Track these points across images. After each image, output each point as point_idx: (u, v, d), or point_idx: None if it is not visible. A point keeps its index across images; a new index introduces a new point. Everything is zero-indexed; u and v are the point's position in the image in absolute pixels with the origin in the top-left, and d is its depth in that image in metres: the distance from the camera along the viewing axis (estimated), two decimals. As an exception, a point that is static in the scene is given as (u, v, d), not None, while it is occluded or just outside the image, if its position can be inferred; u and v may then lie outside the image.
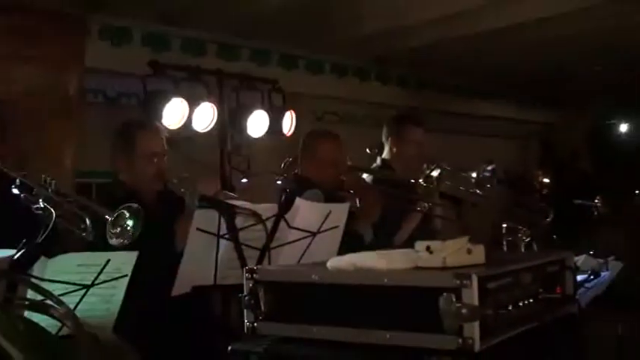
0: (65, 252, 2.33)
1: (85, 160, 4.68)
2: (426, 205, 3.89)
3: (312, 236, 3.03)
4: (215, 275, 2.86)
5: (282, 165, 3.81)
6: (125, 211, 2.62)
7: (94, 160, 4.42)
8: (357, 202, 3.68)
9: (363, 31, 6.01)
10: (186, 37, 5.73)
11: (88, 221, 2.59)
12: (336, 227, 3.10)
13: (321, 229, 3.04)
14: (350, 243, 3.11)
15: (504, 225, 3.81)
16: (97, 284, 2.33)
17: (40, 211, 2.56)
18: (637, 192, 9.13)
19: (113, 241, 2.58)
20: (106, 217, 2.58)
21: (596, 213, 4.89)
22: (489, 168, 4.26)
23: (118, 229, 2.61)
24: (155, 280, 2.82)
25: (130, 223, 2.62)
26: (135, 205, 2.64)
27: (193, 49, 5.77)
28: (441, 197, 4.03)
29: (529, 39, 6.36)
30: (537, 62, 7.21)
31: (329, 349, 1.89)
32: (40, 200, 2.56)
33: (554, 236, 4.41)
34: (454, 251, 1.89)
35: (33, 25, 4.19)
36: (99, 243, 2.61)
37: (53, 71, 4.29)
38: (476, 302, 1.69)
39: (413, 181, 3.85)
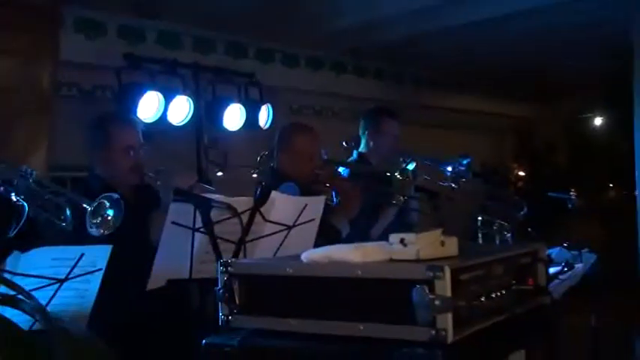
0: (44, 245, 2.31)
1: (59, 154, 4.64)
2: (402, 198, 3.91)
3: (288, 230, 3.03)
4: (190, 269, 2.85)
5: (258, 158, 3.80)
6: (105, 201, 2.60)
7: (69, 154, 4.38)
8: (334, 195, 3.69)
9: (339, 24, 6.02)
10: (162, 30, 5.71)
11: (68, 211, 2.57)
12: (312, 220, 3.10)
13: (297, 222, 3.04)
14: (327, 237, 3.11)
15: (480, 218, 3.84)
16: (71, 278, 2.32)
17: (21, 203, 2.54)
18: (611, 185, 9.25)
19: (93, 231, 2.56)
20: (86, 206, 2.55)
21: (570, 206, 4.93)
22: (464, 161, 4.29)
23: (99, 219, 2.58)
24: (131, 274, 2.81)
25: (110, 212, 2.61)
26: (115, 195, 2.63)
27: (169, 42, 5.74)
28: (417, 190, 4.05)
29: (506, 33, 6.41)
30: (514, 56, 7.26)
31: (303, 342, 1.90)
32: (13, 194, 2.53)
33: (530, 229, 4.45)
34: (427, 244, 1.90)
35: (5, 18, 4.13)
36: (78, 235, 2.60)
37: (26, 64, 4.24)
38: (449, 294, 1.70)
39: (389, 174, 3.86)
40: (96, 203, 2.56)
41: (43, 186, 2.62)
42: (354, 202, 3.70)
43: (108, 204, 2.61)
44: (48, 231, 2.65)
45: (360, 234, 3.60)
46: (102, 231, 2.57)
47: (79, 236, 2.58)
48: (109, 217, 2.60)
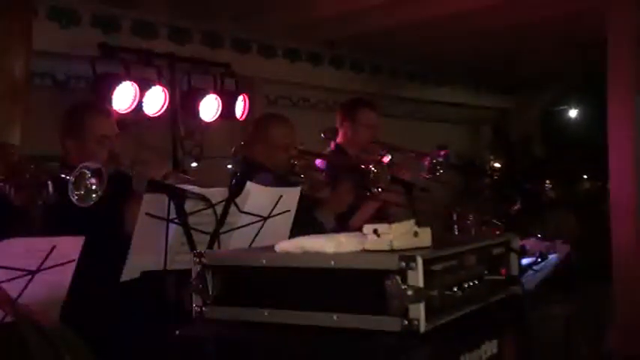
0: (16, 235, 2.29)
1: (32, 144, 4.58)
2: (377, 190, 3.92)
3: (263, 221, 3.03)
4: (165, 260, 2.84)
5: (233, 149, 3.79)
6: (86, 170, 2.57)
7: (42, 145, 4.34)
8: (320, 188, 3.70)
9: (316, 14, 5.99)
10: (137, 19, 5.64)
11: (50, 185, 2.54)
12: (287, 211, 3.10)
13: (272, 213, 3.04)
14: (310, 230, 3.12)
15: (456, 209, 3.86)
16: (43, 270, 2.30)
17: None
18: (585, 177, 9.33)
19: (77, 202, 2.52)
20: (67, 177, 2.52)
21: (545, 197, 4.99)
22: (442, 153, 4.31)
23: (82, 189, 2.56)
24: (105, 265, 2.79)
25: (93, 181, 2.58)
26: (94, 164, 2.59)
27: (144, 32, 5.68)
28: (393, 182, 4.06)
29: (482, 25, 6.42)
30: (490, 49, 7.28)
31: (277, 333, 1.90)
32: None
33: (504, 220, 4.48)
34: (401, 234, 1.91)
35: (-24, 6, 4.07)
36: (54, 222, 2.58)
37: (-2, 53, 4.19)
38: (421, 284, 1.71)
39: (364, 166, 3.87)
40: (77, 173, 2.53)
41: (23, 163, 2.60)
42: (345, 197, 3.73)
43: (89, 173, 2.57)
44: (24, 217, 2.63)
45: (343, 228, 3.61)
46: (87, 202, 2.54)
47: (53, 226, 2.56)
48: (94, 187, 2.57)
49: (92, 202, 2.56)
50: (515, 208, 4.45)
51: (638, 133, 5.42)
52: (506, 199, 4.54)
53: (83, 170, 2.54)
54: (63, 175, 2.51)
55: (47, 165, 2.68)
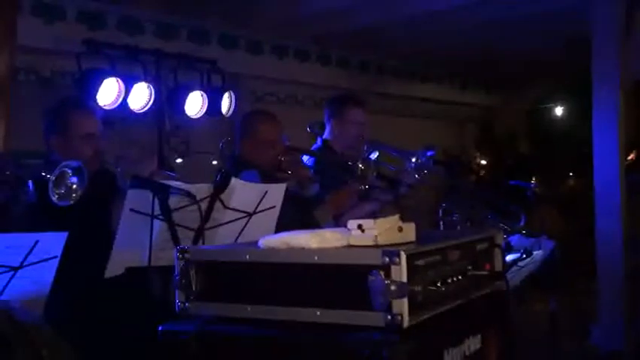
0: (3, 227, 2.27)
1: (16, 141, 4.56)
2: (363, 187, 3.92)
3: (249, 217, 3.02)
4: (149, 256, 2.83)
5: (220, 145, 3.79)
6: (67, 169, 2.54)
7: (26, 141, 4.31)
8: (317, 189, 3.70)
9: (303, 11, 5.99)
10: (123, 15, 5.63)
11: (30, 184, 2.52)
12: (272, 207, 3.10)
13: (258, 209, 3.03)
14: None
15: (442, 205, 3.87)
16: (26, 266, 2.28)
17: None
18: (571, 174, 9.39)
19: (57, 201, 2.50)
20: (48, 176, 2.50)
21: (529, 193, 5.01)
22: (429, 153, 4.31)
23: (63, 189, 2.53)
24: (90, 261, 2.78)
25: (74, 180, 2.55)
26: (75, 163, 2.57)
27: (130, 28, 5.67)
28: (379, 179, 4.07)
29: (468, 22, 6.44)
30: (476, 45, 7.31)
31: (260, 328, 1.89)
32: None
33: (489, 216, 4.50)
34: (385, 229, 1.91)
35: (-41, 1, 4.04)
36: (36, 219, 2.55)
37: (-19, 48, 4.15)
38: (404, 279, 1.71)
39: (350, 163, 3.87)
40: (58, 172, 2.50)
41: (4, 160, 2.57)
42: (345, 199, 3.74)
43: (70, 172, 2.55)
44: (5, 213, 2.61)
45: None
46: (67, 201, 2.52)
47: (36, 222, 2.55)
48: (74, 186, 2.54)
49: (72, 202, 2.53)
50: (521, 224, 4.47)
51: (623, 130, 5.46)
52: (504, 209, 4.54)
53: (64, 169, 2.52)
54: (43, 174, 2.48)
55: (28, 162, 2.65)
